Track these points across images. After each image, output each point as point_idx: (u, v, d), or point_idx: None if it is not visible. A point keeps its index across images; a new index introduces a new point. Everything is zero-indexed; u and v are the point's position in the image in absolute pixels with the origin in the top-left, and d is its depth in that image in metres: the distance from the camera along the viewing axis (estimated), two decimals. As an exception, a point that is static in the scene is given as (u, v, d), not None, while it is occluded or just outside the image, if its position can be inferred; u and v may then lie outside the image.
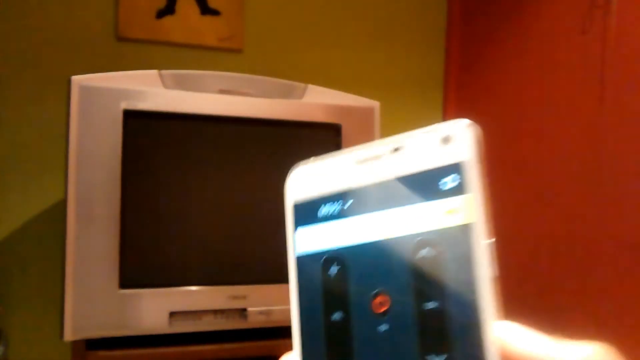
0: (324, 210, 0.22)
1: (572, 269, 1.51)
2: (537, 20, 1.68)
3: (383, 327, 0.19)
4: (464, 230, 0.19)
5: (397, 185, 0.20)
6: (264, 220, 1.32)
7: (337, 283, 0.21)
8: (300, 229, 0.23)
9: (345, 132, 1.38)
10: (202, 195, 1.30)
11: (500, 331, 0.18)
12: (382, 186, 0.21)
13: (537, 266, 1.60)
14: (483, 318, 0.18)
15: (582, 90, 1.51)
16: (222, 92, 1.30)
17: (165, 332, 1.23)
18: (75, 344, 1.23)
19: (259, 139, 1.33)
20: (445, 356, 0.18)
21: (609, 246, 1.41)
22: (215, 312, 1.26)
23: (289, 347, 0.22)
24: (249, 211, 1.32)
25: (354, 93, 1.45)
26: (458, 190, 0.19)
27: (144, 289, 1.22)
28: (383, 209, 0.21)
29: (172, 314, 1.23)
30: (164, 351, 1.28)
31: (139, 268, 1.23)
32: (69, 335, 1.19)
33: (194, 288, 1.25)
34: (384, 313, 0.19)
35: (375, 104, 1.43)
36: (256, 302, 1.26)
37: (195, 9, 1.72)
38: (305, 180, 0.23)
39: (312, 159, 0.23)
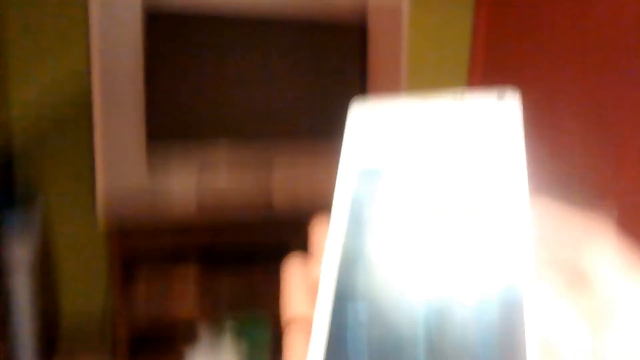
0: (384, 152, 0.24)
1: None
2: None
3: (430, 240, 0.21)
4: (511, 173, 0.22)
5: (455, 127, 0.24)
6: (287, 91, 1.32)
7: (388, 197, 0.22)
8: (357, 169, 0.24)
9: (370, 34, 1.35)
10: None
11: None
12: (444, 137, 0.24)
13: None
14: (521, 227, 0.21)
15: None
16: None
17: (192, 221, 1.28)
18: (108, 228, 1.28)
19: (283, 35, 1.32)
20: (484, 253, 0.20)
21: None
22: (242, 199, 1.29)
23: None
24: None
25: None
26: (509, 138, 0.23)
27: (174, 173, 1.25)
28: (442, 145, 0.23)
29: (200, 204, 1.27)
30: (191, 241, 1.33)
31: (166, 128, 1.26)
32: (101, 218, 1.24)
33: (221, 171, 1.27)
34: (431, 228, 0.21)
35: (403, 3, 1.39)
36: (283, 190, 1.30)
37: None
38: (367, 120, 0.25)
39: (372, 98, 0.25)
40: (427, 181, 0.22)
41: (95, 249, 1.55)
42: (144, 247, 1.38)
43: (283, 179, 1.31)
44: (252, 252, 1.52)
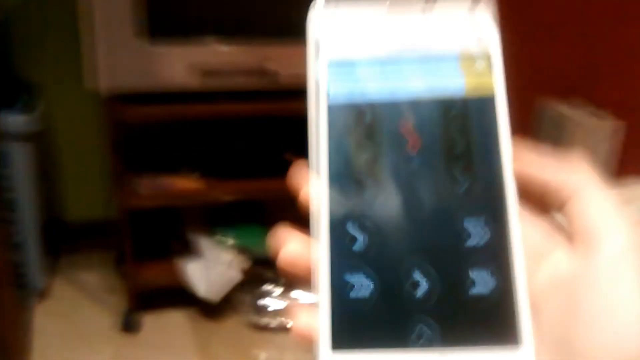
0: (356, 54, 0.22)
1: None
2: None
3: (415, 163, 0.21)
4: (489, 93, 0.21)
5: (428, 42, 0.22)
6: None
7: (370, 128, 0.21)
8: (330, 73, 0.22)
9: None
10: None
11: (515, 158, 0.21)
12: (413, 41, 0.22)
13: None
14: (502, 155, 0.21)
15: None
16: None
17: (196, 89, 1.24)
18: (107, 99, 1.23)
19: None
20: (470, 175, 0.21)
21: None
22: (246, 72, 1.24)
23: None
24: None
25: None
26: (484, 56, 0.22)
27: (174, 45, 1.20)
28: (414, 62, 0.22)
29: (203, 72, 1.22)
30: (195, 108, 1.29)
31: (165, 18, 1.21)
32: (102, 89, 1.19)
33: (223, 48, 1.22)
34: (416, 153, 0.21)
35: None
36: (286, 66, 1.24)
37: None
38: (332, 21, 0.22)
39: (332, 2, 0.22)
40: (400, 96, 0.21)
41: (95, 128, 1.49)
42: (142, 118, 1.33)
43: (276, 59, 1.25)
44: (252, 161, 1.48)
